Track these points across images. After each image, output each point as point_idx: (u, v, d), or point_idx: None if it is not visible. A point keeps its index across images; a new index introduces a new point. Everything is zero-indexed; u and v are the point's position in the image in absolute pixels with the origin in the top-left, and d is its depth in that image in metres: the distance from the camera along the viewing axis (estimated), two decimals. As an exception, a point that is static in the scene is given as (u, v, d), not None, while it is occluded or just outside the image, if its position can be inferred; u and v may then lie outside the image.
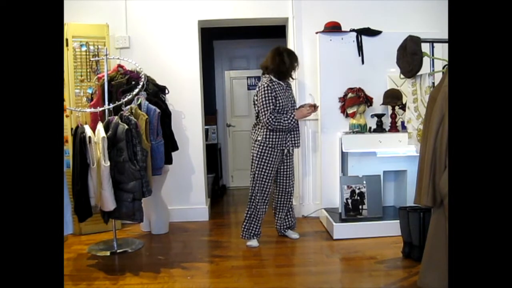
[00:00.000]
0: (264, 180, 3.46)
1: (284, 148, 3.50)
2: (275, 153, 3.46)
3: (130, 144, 3.17)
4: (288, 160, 3.61)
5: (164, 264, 3.19)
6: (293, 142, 3.53)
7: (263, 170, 3.45)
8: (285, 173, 3.63)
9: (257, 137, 3.49)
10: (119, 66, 3.82)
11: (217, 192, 5.68)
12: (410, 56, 2.97)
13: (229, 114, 6.39)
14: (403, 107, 3.85)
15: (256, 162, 3.46)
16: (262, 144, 3.44)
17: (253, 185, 3.49)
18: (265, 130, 3.44)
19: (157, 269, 3.08)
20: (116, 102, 3.47)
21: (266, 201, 3.52)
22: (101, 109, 3.48)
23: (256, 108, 3.50)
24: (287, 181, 3.65)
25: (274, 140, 3.44)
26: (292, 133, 3.51)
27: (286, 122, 3.39)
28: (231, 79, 6.41)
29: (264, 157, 3.45)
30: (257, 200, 3.48)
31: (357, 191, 3.81)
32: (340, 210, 3.86)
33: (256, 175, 3.47)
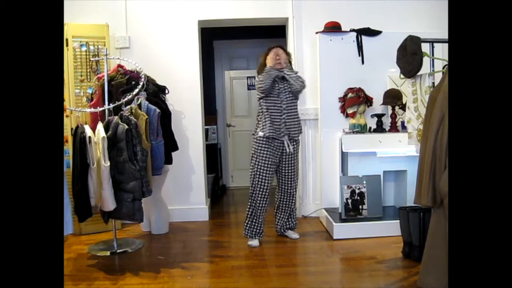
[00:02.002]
0: (262, 174, 3.46)
1: (282, 138, 3.47)
2: (272, 147, 3.47)
3: (130, 144, 3.17)
4: (291, 160, 3.59)
5: (164, 264, 3.19)
6: (289, 132, 3.48)
7: (261, 164, 3.46)
8: (287, 173, 3.61)
9: (253, 133, 3.55)
10: (119, 66, 3.82)
11: (217, 192, 5.68)
12: (410, 56, 2.97)
13: (229, 114, 6.39)
14: (403, 107, 3.85)
15: (255, 157, 3.49)
16: (258, 138, 3.48)
17: (252, 181, 3.50)
18: (261, 124, 3.49)
19: (157, 269, 3.08)
20: (116, 102, 3.47)
21: (265, 197, 3.51)
22: (101, 109, 3.48)
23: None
24: (290, 182, 3.64)
25: (269, 131, 3.43)
26: (287, 123, 3.47)
27: (265, 75, 3.43)
28: (231, 79, 6.41)
29: (262, 151, 3.46)
30: (257, 197, 3.48)
31: (357, 191, 3.81)
32: (340, 210, 3.86)
33: (255, 170, 3.49)
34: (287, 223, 3.74)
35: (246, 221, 3.55)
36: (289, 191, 3.65)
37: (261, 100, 3.50)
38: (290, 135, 3.51)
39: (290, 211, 3.72)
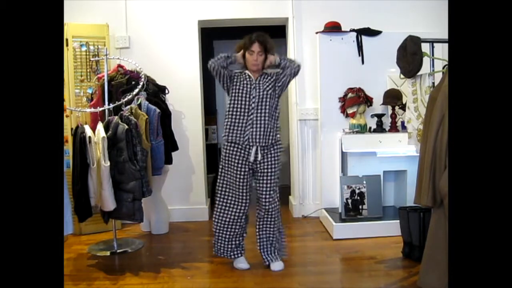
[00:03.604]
0: (227, 185, 3.04)
1: (245, 145, 2.92)
2: (238, 154, 2.95)
3: (130, 144, 3.17)
4: (263, 172, 2.98)
5: (164, 264, 3.19)
6: (254, 138, 2.90)
7: (225, 172, 3.05)
8: (260, 187, 3.02)
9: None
10: (119, 66, 3.82)
11: (217, 192, 5.67)
12: (410, 56, 2.97)
13: (229, 114, 6.38)
14: (403, 107, 3.85)
15: (220, 165, 3.06)
16: (224, 143, 3.03)
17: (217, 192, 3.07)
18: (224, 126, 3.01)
19: (157, 269, 3.08)
20: (116, 102, 3.47)
21: (229, 214, 3.02)
22: (101, 109, 3.48)
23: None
24: (264, 198, 3.02)
25: (231, 135, 2.94)
26: (255, 127, 2.89)
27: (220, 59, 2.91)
28: (231, 79, 6.39)
29: (226, 158, 3.01)
30: (218, 212, 3.04)
31: (357, 191, 3.81)
32: (340, 210, 3.86)
33: (220, 179, 3.07)
34: (267, 249, 3.03)
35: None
36: (264, 208, 2.99)
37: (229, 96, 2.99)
38: (257, 143, 2.90)
39: (269, 235, 3.03)
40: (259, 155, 2.92)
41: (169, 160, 3.78)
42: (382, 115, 4.05)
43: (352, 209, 3.79)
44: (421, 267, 2.57)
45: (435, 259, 2.44)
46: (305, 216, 4.37)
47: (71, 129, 3.54)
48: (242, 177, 2.95)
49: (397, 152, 3.88)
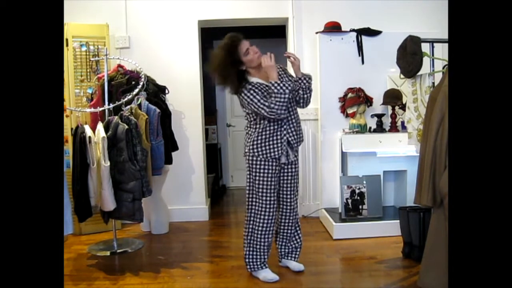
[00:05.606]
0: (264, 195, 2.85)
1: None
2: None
3: (130, 144, 3.17)
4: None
5: (164, 264, 3.19)
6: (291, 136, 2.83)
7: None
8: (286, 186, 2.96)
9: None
10: (119, 66, 3.82)
11: (217, 192, 5.68)
12: (410, 56, 2.97)
13: (229, 114, 6.39)
14: (403, 107, 3.85)
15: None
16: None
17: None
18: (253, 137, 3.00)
19: (157, 269, 3.09)
20: (116, 102, 3.47)
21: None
22: (101, 109, 3.48)
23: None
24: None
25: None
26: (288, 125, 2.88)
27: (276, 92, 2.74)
28: (231, 79, 6.40)
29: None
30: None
31: (357, 191, 3.81)
32: (340, 210, 3.86)
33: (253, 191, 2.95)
34: (288, 245, 3.04)
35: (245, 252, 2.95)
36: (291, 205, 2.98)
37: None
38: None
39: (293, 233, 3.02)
40: (291, 155, 2.87)
41: (169, 160, 3.78)
42: (382, 115, 4.05)
43: (352, 209, 3.79)
44: (421, 267, 2.57)
45: (435, 259, 2.44)
46: (305, 216, 4.37)
47: (71, 129, 3.54)
48: (274, 181, 2.88)
49: (397, 152, 3.88)
